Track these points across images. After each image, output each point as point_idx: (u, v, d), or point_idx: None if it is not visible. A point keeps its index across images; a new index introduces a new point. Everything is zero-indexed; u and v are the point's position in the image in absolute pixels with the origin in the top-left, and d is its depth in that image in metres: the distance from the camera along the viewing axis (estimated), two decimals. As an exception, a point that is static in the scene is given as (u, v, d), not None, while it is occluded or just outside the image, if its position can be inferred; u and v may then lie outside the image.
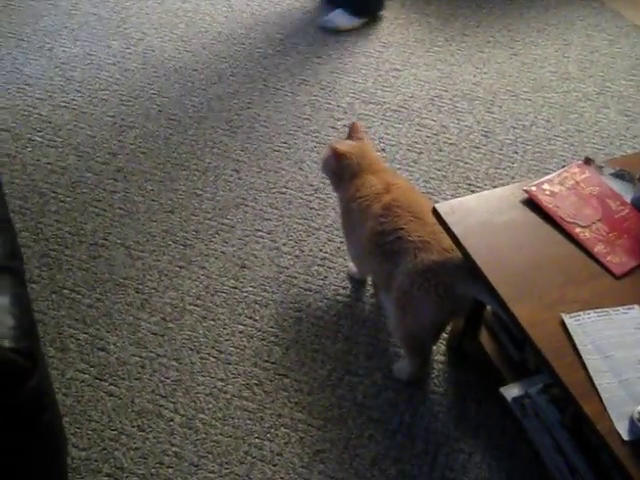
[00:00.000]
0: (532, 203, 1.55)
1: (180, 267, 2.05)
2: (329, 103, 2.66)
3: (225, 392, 1.76)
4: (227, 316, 1.93)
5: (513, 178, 2.36)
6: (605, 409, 1.20)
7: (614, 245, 1.47)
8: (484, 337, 1.77)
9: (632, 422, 1.17)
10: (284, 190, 2.30)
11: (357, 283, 2.03)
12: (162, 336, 1.87)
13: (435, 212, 1.54)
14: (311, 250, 2.11)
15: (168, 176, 2.33)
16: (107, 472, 1.60)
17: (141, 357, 1.83)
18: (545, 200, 1.54)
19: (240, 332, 1.90)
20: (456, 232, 1.48)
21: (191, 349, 1.85)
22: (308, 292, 2.00)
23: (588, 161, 1.66)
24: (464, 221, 1.51)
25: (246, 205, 2.25)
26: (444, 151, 2.47)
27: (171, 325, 1.90)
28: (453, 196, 2.27)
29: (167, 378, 1.79)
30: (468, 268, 1.48)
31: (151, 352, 1.84)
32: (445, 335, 1.87)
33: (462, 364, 1.84)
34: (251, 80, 2.75)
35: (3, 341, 1.15)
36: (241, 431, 1.69)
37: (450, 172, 2.39)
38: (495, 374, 1.70)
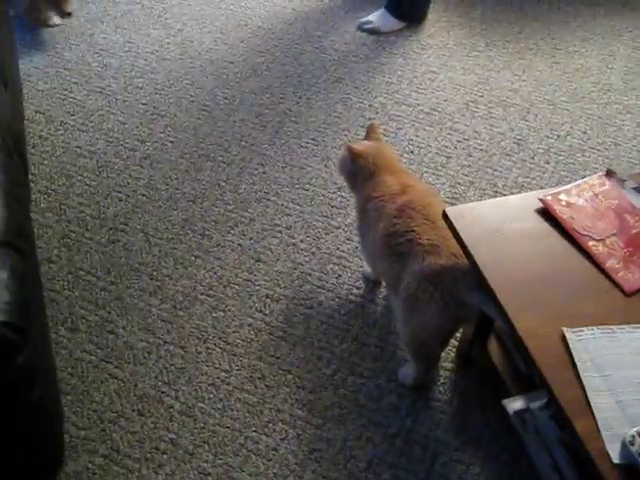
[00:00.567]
0: (547, 213, 1.51)
1: (196, 256, 2.06)
2: (361, 102, 2.64)
3: (227, 383, 1.76)
4: (237, 308, 1.93)
5: (542, 188, 2.30)
6: (598, 429, 1.16)
7: (628, 261, 1.42)
8: (493, 347, 1.73)
9: (623, 445, 1.13)
10: (307, 187, 2.29)
11: (371, 284, 2.01)
12: (171, 323, 1.88)
13: (445, 216, 1.51)
14: (328, 248, 2.10)
15: (193, 166, 2.34)
16: (103, 453, 1.62)
17: (148, 342, 1.84)
18: (560, 210, 1.50)
19: (249, 325, 1.89)
20: (464, 237, 1.45)
21: (198, 338, 1.86)
22: (321, 290, 1.99)
23: (610, 173, 1.61)
24: (473, 227, 1.48)
25: (268, 199, 2.24)
26: (473, 157, 2.42)
27: (181, 313, 1.91)
28: (478, 203, 2.23)
29: (172, 365, 1.80)
30: (474, 275, 1.45)
31: (159, 338, 1.85)
32: (455, 342, 1.84)
33: (470, 373, 1.81)
34: (285, 75, 2.75)
35: (-4, 315, 1.16)
36: (239, 423, 1.69)
37: (478, 178, 2.34)
38: (501, 386, 1.67)
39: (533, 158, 2.43)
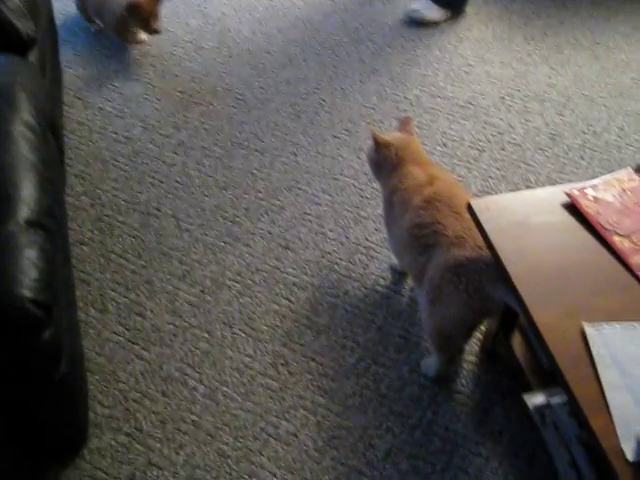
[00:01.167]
0: (572, 207, 1.49)
1: (225, 243, 2.08)
2: (396, 94, 2.63)
3: (251, 368, 1.79)
4: (264, 295, 1.95)
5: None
6: (613, 426, 1.15)
7: (653, 258, 1.40)
8: (517, 341, 1.72)
9: (638, 443, 1.12)
10: (338, 177, 2.30)
11: (398, 275, 2.01)
12: (198, 308, 1.91)
13: (469, 208, 1.51)
14: (357, 238, 2.11)
15: (226, 154, 2.37)
16: (126, 431, 1.66)
17: (175, 325, 1.87)
18: (586, 205, 1.48)
19: (274, 311, 1.91)
20: (487, 229, 1.44)
21: (224, 323, 1.88)
22: (347, 279, 2.00)
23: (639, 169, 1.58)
24: (497, 219, 1.47)
25: (299, 188, 2.26)
26: (507, 151, 2.40)
27: (208, 298, 1.94)
28: (509, 197, 2.21)
29: (197, 349, 1.82)
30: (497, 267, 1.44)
31: (185, 322, 1.88)
32: (480, 336, 1.83)
33: (493, 367, 1.80)
34: (322, 66, 2.75)
35: (24, 291, 1.20)
36: (260, 408, 1.71)
37: (510, 172, 2.33)
38: (523, 380, 1.66)
39: (567, 153, 2.40)
